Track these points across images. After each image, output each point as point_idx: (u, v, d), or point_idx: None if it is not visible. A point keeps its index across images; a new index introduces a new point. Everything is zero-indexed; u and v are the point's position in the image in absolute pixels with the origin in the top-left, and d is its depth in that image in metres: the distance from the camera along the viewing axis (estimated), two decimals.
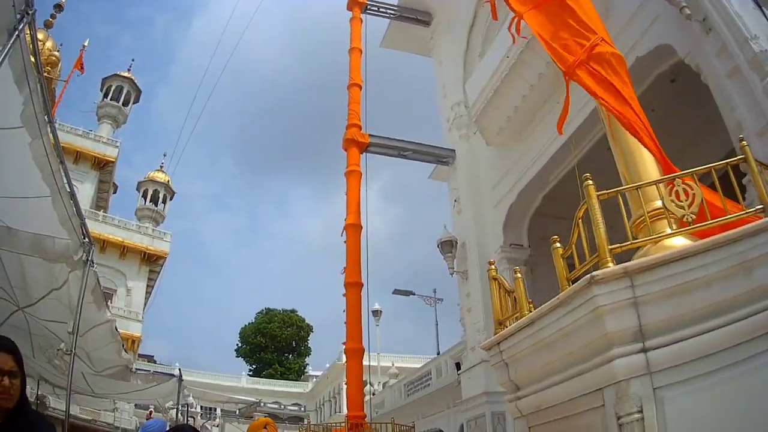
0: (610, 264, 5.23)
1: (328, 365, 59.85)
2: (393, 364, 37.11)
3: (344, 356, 15.12)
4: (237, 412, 37.13)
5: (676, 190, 5.51)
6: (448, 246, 15.90)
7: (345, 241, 15.71)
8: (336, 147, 16.35)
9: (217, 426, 35.43)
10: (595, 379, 5.23)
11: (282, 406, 53.99)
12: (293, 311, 74.87)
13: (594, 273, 5.12)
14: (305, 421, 24.47)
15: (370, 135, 17.28)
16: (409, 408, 22.53)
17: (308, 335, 74.82)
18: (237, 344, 73.14)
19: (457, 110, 18.28)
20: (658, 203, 5.78)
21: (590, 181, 5.63)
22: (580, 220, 5.77)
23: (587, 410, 5.41)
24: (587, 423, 5.40)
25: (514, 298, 7.10)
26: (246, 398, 35.64)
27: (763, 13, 9.74)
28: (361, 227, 15.71)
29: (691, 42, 10.36)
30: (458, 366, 17.36)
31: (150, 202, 48.98)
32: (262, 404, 44.60)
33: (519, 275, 6.98)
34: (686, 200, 5.45)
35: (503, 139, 15.95)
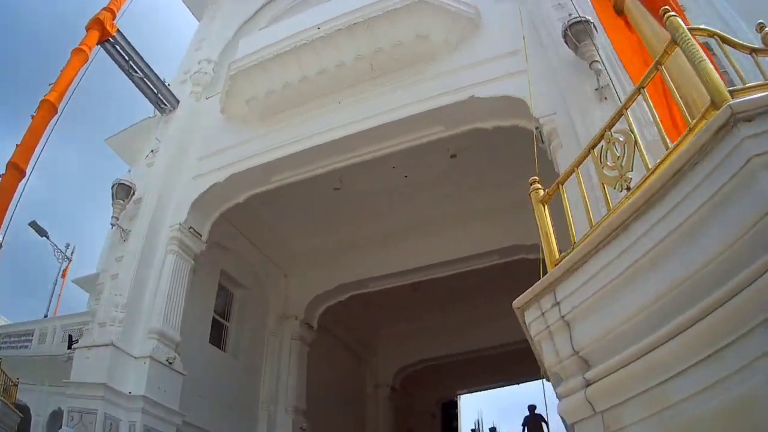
0: None
1: None
2: None
3: None
4: None
5: None
6: (123, 192, 12.46)
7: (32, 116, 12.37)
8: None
9: None
10: None
11: None
12: None
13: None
14: None
15: (118, 30, 14.17)
16: None
17: None
18: None
19: (204, 66, 15.77)
20: None
21: None
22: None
23: None
24: None
25: None
26: None
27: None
28: (57, 112, 12.45)
29: (558, 105, 10.40)
30: (71, 340, 13.56)
31: None
32: None
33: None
34: None
35: (245, 112, 13.65)
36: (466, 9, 12.32)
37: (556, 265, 4.44)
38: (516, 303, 4.74)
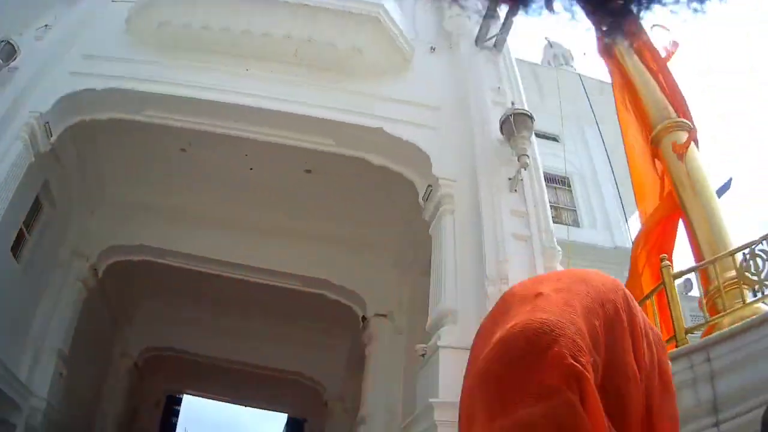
0: None
1: None
2: None
3: None
4: None
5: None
6: (7, 53, 11.36)
7: None
8: None
9: None
10: None
11: None
12: None
13: None
14: None
15: None
16: None
17: None
18: None
19: None
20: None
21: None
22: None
23: None
24: None
25: None
26: None
27: None
28: None
29: (462, 174, 11.08)
30: None
31: None
32: None
33: None
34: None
35: (151, 32, 12.71)
36: (407, 46, 12.67)
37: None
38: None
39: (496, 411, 1.45)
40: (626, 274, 17.74)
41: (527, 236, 10.06)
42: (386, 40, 12.56)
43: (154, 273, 17.73)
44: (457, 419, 7.70)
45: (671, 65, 7.97)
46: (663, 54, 8.06)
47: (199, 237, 16.05)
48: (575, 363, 1.41)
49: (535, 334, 1.35)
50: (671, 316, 5.44)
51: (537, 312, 1.40)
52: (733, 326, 5.13)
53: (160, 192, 15.80)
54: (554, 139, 21.14)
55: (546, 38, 26.63)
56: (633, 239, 7.64)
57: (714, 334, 5.24)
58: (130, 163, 15.20)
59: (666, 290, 5.56)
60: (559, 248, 10.17)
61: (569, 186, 20.59)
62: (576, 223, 19.23)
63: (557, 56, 26.38)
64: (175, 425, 28.92)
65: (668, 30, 8.08)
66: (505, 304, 1.48)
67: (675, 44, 7.84)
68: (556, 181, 19.61)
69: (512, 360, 1.42)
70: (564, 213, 19.50)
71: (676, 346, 5.23)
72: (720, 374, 5.02)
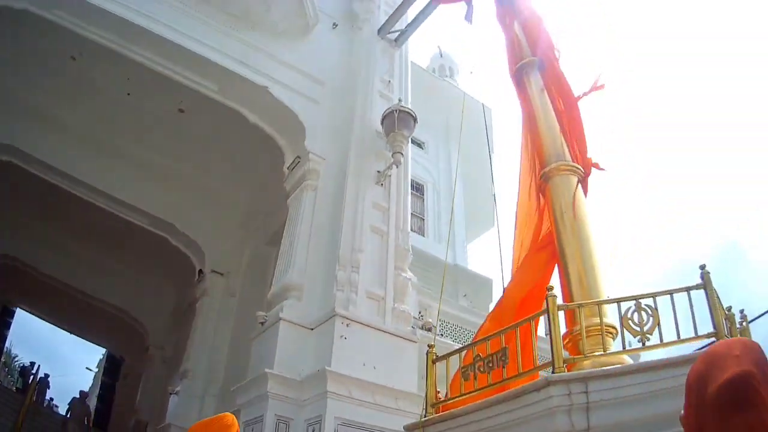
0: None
1: None
2: None
3: None
4: None
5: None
6: None
7: None
8: None
9: None
10: None
11: None
12: None
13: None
14: None
15: None
16: None
17: None
18: None
19: None
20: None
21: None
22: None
23: None
24: None
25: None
26: None
27: None
28: None
29: (332, 155, 11.44)
30: None
31: None
32: None
33: None
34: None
35: None
36: (313, 13, 12.62)
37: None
38: None
39: (725, 420, 2.24)
40: (461, 290, 18.44)
41: (384, 232, 10.49)
42: (295, 2, 12.49)
43: (14, 177, 16.69)
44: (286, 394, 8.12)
45: (587, 105, 8.25)
46: (581, 92, 8.29)
47: (65, 152, 15.58)
48: (763, 389, 2.25)
49: (744, 377, 2.27)
50: (551, 344, 5.62)
51: (741, 365, 2.32)
52: (615, 366, 5.48)
53: (42, 97, 14.92)
54: (419, 145, 21.60)
55: (438, 47, 27.01)
56: (503, 268, 7.75)
57: (596, 370, 5.51)
58: (22, 61, 14.16)
59: (549, 318, 5.76)
60: (411, 251, 10.64)
61: (423, 194, 21.06)
62: (421, 232, 19.63)
63: (444, 67, 26.92)
64: (5, 338, 29.05)
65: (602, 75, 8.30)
66: (711, 361, 2.50)
67: (596, 87, 8.01)
68: (411, 187, 19.87)
69: (735, 393, 2.26)
70: (412, 219, 19.83)
71: (553, 372, 5.43)
72: (595, 408, 5.27)
